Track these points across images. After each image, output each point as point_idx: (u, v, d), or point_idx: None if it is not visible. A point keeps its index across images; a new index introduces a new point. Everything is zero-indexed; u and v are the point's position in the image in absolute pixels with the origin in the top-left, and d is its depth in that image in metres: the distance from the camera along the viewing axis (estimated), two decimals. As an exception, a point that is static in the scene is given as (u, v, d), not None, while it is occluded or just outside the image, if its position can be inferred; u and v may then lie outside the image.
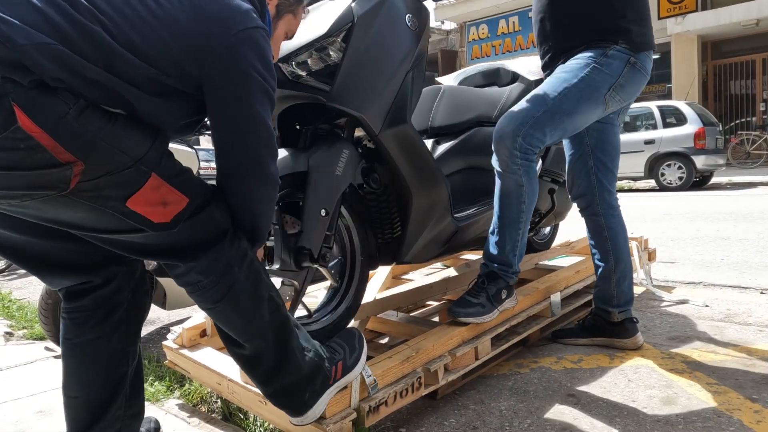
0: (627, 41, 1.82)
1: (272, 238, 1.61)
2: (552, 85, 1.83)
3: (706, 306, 2.67)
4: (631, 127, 9.91)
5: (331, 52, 1.61)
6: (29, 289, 4.64)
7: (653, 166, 9.49)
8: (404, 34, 1.73)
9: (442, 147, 2.17)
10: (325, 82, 1.62)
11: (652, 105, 9.82)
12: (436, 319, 2.45)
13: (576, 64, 1.83)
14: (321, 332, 1.73)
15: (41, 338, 2.85)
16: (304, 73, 1.63)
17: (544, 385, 1.90)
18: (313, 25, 1.62)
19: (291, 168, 1.58)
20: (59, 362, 2.43)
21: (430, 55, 17.76)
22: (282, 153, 1.63)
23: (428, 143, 2.17)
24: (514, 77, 2.48)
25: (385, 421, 1.68)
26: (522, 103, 1.85)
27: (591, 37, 1.85)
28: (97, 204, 1.05)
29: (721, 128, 10.04)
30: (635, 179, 10.09)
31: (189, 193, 1.15)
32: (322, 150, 1.65)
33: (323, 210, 1.60)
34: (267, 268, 1.60)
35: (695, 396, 1.74)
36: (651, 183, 9.90)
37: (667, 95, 13.62)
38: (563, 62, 1.92)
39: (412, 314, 2.35)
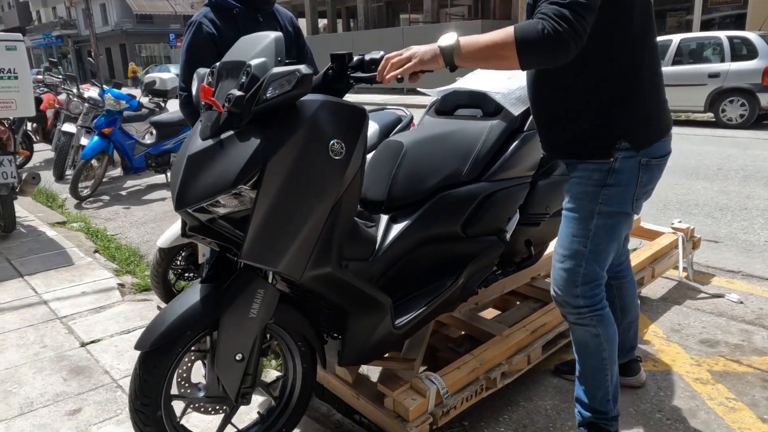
0: (631, 142, 1.57)
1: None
2: (574, 231, 1.68)
3: (741, 303, 2.91)
4: (696, 57, 9.47)
5: (243, 195, 1.46)
6: (117, 221, 5.16)
7: (714, 101, 9.18)
8: (327, 168, 1.51)
9: (399, 226, 1.93)
10: (240, 228, 1.49)
11: (722, 35, 9.29)
12: (491, 308, 2.78)
13: (584, 195, 1.64)
14: None
15: (147, 289, 3.33)
16: (220, 212, 1.50)
17: (584, 386, 2.24)
18: (219, 168, 1.43)
19: (200, 317, 1.56)
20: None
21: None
22: (192, 298, 1.59)
23: (383, 220, 1.96)
24: (498, 109, 2.25)
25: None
26: (560, 265, 1.72)
27: (587, 145, 1.60)
28: None
29: (795, 63, 9.46)
30: (693, 113, 9.80)
31: None
32: (232, 293, 1.57)
33: (238, 355, 1.59)
34: (197, 395, 1.69)
35: (713, 411, 2.06)
36: (709, 115, 9.59)
37: (741, 18, 12.66)
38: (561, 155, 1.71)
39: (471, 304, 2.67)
